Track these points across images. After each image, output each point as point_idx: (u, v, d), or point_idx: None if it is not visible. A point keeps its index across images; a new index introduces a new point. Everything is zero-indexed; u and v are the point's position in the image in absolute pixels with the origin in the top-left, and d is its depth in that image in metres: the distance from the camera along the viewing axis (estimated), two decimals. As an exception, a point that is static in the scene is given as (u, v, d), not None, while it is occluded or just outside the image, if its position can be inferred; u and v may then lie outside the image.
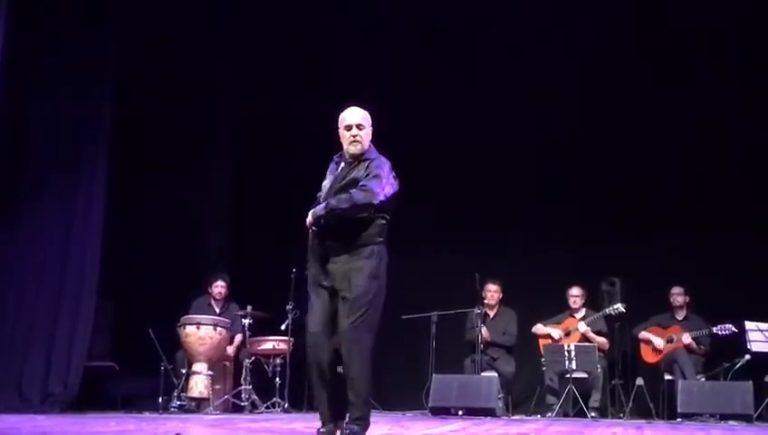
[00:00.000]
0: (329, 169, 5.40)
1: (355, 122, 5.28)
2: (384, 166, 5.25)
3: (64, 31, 8.72)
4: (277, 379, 9.12)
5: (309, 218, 5.11)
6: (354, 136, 5.26)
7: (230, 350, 9.40)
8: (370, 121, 5.37)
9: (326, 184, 5.32)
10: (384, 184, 5.16)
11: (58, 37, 8.70)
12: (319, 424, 5.16)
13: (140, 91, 9.64)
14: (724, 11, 9.69)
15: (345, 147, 5.32)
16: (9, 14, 7.69)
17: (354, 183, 5.18)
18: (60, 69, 8.72)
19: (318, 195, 5.34)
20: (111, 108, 8.90)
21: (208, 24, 10.21)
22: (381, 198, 5.11)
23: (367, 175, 5.18)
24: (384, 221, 5.20)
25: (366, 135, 5.31)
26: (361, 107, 5.42)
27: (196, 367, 8.80)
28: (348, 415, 5.05)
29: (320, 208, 5.11)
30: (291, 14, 10.23)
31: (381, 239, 5.19)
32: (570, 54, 10.24)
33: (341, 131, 5.33)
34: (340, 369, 5.13)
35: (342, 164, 5.35)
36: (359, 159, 5.28)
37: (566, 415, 9.06)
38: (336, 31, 10.36)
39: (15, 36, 7.83)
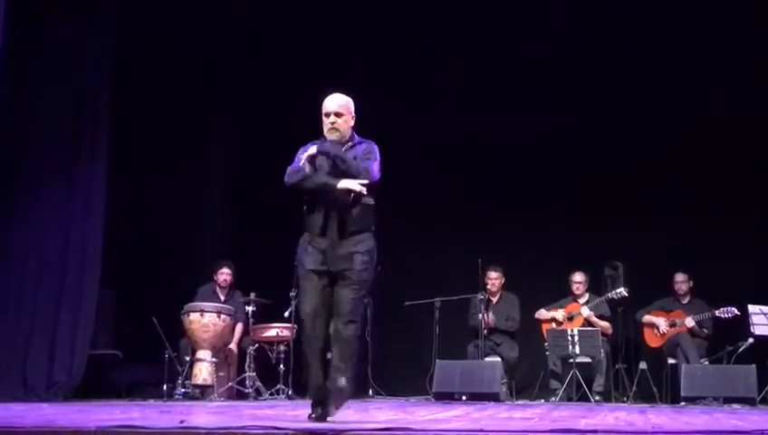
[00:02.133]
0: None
1: (333, 110, 5.45)
2: (377, 150, 5.48)
3: (63, 16, 8.68)
4: (281, 366, 9.14)
5: (312, 151, 5.30)
6: (332, 123, 5.44)
7: (232, 345, 9.37)
8: (351, 109, 5.51)
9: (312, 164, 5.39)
10: (378, 166, 5.42)
11: (57, 23, 8.66)
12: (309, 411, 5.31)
13: (140, 80, 9.61)
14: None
15: (324, 133, 5.47)
16: (7, 5, 7.65)
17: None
18: (58, 57, 8.68)
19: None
20: (111, 97, 8.87)
21: (208, 15, 10.16)
22: (375, 176, 5.36)
23: (364, 156, 5.40)
24: (374, 209, 5.43)
25: (344, 122, 5.46)
26: (360, 99, 5.52)
27: (200, 354, 8.80)
28: (331, 385, 5.24)
29: (329, 147, 5.34)
30: (293, 8, 10.19)
31: (373, 227, 5.45)
32: (570, 39, 10.19)
33: (322, 117, 5.47)
34: (329, 355, 5.35)
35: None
36: (344, 144, 5.45)
37: (569, 400, 9.08)
38: (337, 24, 10.32)
39: (14, 23, 7.80)
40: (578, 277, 9.71)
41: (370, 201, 5.38)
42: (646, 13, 9.85)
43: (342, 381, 5.18)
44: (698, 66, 9.95)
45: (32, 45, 8.49)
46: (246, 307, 9.32)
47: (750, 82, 9.78)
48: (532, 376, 9.87)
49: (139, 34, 9.34)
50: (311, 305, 5.32)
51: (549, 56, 10.26)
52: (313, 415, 5.23)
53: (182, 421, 4.79)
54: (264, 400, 8.92)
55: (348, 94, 5.57)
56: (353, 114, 5.52)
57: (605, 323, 9.50)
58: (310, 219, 5.40)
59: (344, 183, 5.27)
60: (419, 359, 9.76)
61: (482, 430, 4.44)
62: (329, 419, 5.15)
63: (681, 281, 9.52)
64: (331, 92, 5.58)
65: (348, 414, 5.29)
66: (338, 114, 5.43)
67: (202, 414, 6.11)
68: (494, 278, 9.81)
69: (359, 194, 5.25)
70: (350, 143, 5.47)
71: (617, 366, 9.41)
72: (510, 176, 10.47)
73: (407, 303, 9.65)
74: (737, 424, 5.34)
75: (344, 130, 5.45)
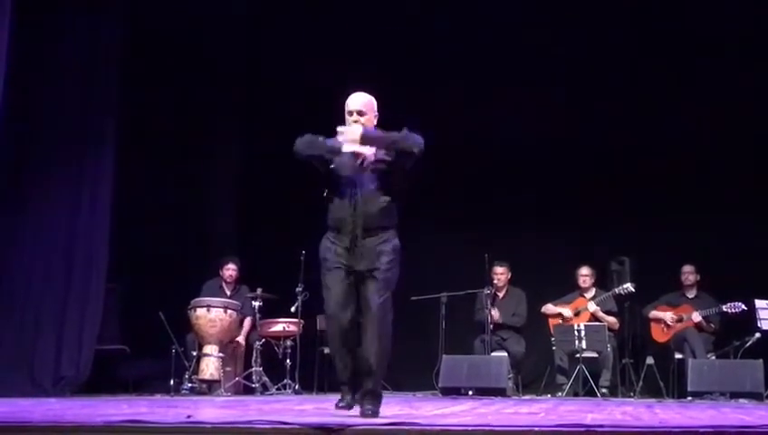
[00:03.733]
0: (335, 145, 5.37)
1: (356, 109, 5.39)
2: None
3: (69, 14, 8.68)
4: (287, 361, 9.15)
5: (353, 135, 5.15)
6: (355, 122, 5.36)
7: (240, 338, 9.38)
8: (375, 107, 5.46)
9: (338, 164, 5.33)
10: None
11: (63, 20, 8.67)
12: (335, 399, 5.33)
13: (147, 75, 9.61)
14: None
15: None
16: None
17: (382, 163, 5.28)
18: (66, 52, 8.68)
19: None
20: (118, 91, 8.88)
21: (217, 7, 10.15)
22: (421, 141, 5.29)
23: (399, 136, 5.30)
24: (398, 204, 5.38)
25: (367, 121, 5.39)
26: (367, 92, 5.47)
27: (207, 349, 8.82)
28: (364, 387, 5.21)
29: (374, 132, 5.22)
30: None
31: (396, 222, 5.39)
32: (575, 35, 10.18)
33: (346, 115, 5.42)
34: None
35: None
36: None
37: (576, 395, 9.08)
38: (342, 22, 10.31)
39: (21, 21, 7.80)
40: (584, 271, 9.72)
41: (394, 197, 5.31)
42: (647, 11, 9.83)
43: (372, 411, 5.13)
44: (701, 63, 9.93)
45: (41, 36, 8.47)
46: (253, 302, 9.32)
47: (754, 78, 9.75)
48: (538, 371, 9.88)
49: (147, 28, 9.34)
50: (336, 301, 5.24)
51: (552, 55, 10.25)
52: (341, 404, 5.25)
53: (189, 416, 4.79)
54: (271, 394, 8.94)
55: (352, 91, 5.51)
56: (376, 113, 5.45)
57: (612, 319, 9.50)
58: (332, 216, 5.32)
59: (349, 146, 5.19)
60: (426, 354, 9.77)
61: (488, 425, 4.44)
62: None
63: (688, 272, 9.51)
64: (340, 83, 5.55)
65: (354, 410, 5.29)
66: (361, 113, 5.36)
67: (209, 409, 6.13)
68: (500, 273, 9.82)
69: (367, 159, 5.17)
70: None
71: (623, 361, 9.41)
72: (517, 171, 10.46)
73: (413, 298, 9.65)
74: (744, 419, 5.33)
75: None
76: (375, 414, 5.14)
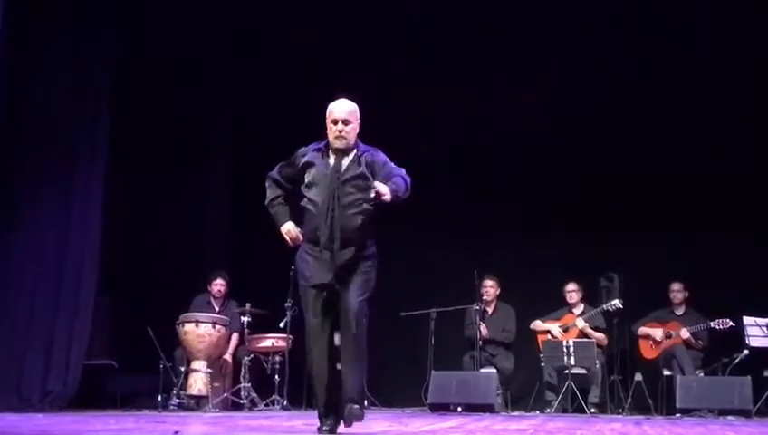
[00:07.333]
0: (309, 157, 5.33)
1: (341, 117, 5.26)
2: (389, 161, 5.34)
3: (63, 25, 8.68)
4: (276, 376, 9.11)
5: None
6: (340, 131, 5.25)
7: (227, 356, 9.35)
8: (358, 115, 5.35)
9: (315, 175, 5.28)
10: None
11: (57, 32, 8.66)
12: (317, 423, 5.24)
13: (140, 87, 9.61)
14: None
15: (330, 140, 5.30)
16: (6, 8, 7.65)
17: (362, 178, 5.21)
18: (58, 64, 8.67)
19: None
20: (110, 104, 8.87)
21: (208, 19, 10.15)
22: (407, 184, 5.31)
23: (380, 170, 5.25)
24: (375, 217, 5.30)
25: (352, 130, 5.29)
26: (358, 103, 5.39)
27: (195, 365, 8.79)
28: (347, 393, 5.11)
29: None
30: (293, 10, 10.17)
31: (373, 232, 5.34)
32: (569, 47, 10.22)
33: (328, 123, 5.30)
34: (338, 365, 5.22)
35: (332, 156, 5.31)
36: (349, 152, 5.29)
37: (565, 411, 9.08)
38: (337, 26, 10.33)
39: (13, 30, 7.80)
40: (571, 286, 9.73)
41: (371, 209, 5.22)
42: (646, 13, 9.87)
43: (358, 410, 5.06)
44: (693, 79, 9.98)
45: (32, 47, 8.46)
46: (242, 318, 9.30)
47: (751, 90, 9.80)
48: (527, 387, 9.86)
49: (139, 39, 9.33)
50: (314, 319, 5.19)
51: (542, 69, 10.28)
52: (325, 428, 5.16)
53: (177, 432, 4.78)
54: (259, 410, 8.90)
55: (343, 95, 5.42)
56: (359, 121, 5.33)
57: (600, 335, 9.51)
58: (308, 228, 5.26)
59: (284, 228, 5.33)
60: (415, 370, 9.76)
61: (477, 442, 4.44)
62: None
63: (677, 290, 9.54)
64: (332, 94, 5.46)
65: (342, 426, 5.27)
66: (345, 121, 5.24)
67: (197, 425, 6.11)
68: (489, 286, 9.81)
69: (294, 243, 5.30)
70: (354, 151, 5.29)
71: (612, 377, 9.42)
72: (506, 188, 10.47)
73: (402, 313, 9.65)
74: (732, 436, 5.35)
75: (351, 138, 5.27)
76: (360, 416, 5.07)
